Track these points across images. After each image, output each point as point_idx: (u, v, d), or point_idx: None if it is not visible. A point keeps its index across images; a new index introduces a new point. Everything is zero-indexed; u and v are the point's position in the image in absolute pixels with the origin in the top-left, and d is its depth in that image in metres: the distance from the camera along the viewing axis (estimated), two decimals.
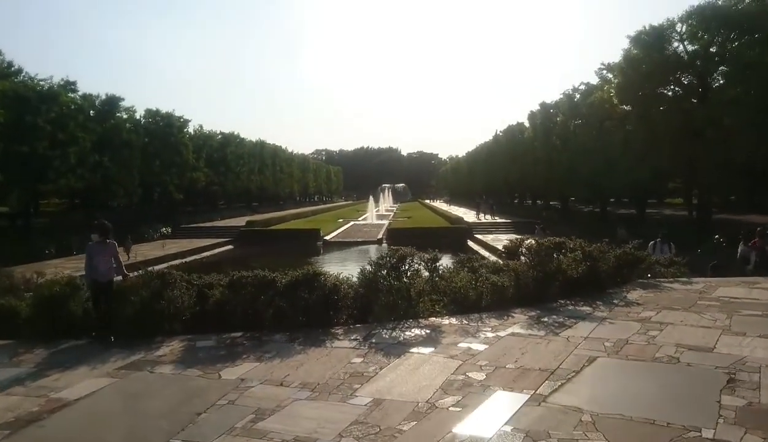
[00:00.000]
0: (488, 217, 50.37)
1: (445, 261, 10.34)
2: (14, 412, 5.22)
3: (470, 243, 37.17)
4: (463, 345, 6.99)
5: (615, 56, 42.39)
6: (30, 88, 33.46)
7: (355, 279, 9.16)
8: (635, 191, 38.88)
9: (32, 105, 31.92)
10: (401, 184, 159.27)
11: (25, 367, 6.69)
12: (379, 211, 76.92)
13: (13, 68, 34.98)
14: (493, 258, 17.68)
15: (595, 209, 48.24)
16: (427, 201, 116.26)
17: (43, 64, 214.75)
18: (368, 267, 9.07)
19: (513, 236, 35.56)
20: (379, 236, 43.11)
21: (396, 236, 40.15)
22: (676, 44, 28.72)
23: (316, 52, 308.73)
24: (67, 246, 30.04)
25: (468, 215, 53.41)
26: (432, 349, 6.88)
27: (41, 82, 35.49)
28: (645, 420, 4.62)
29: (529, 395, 5.25)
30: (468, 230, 41.61)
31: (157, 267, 24.78)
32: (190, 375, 6.15)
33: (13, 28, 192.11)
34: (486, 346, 6.95)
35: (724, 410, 4.78)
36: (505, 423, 4.65)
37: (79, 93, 39.28)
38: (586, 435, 4.38)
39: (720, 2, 25.80)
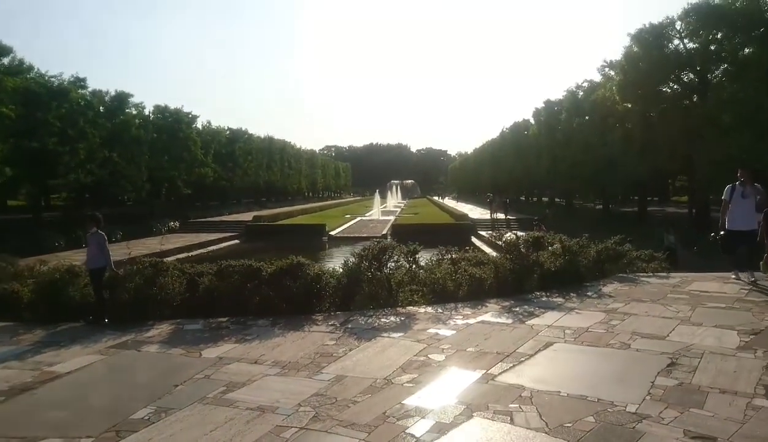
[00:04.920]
0: (501, 215, 45.19)
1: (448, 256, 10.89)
2: (9, 382, 5.78)
3: (474, 239, 37.59)
4: (431, 331, 7.46)
5: (617, 53, 42.45)
6: (41, 84, 34.22)
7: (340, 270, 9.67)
8: (636, 188, 39.10)
9: (43, 101, 32.67)
10: (410, 181, 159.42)
11: (24, 345, 7.27)
12: (387, 208, 77.45)
13: (24, 65, 35.66)
14: (494, 254, 17.99)
15: (597, 206, 48.45)
16: (436, 197, 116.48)
17: (53, 60, 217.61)
18: (351, 258, 9.56)
19: (517, 233, 36.18)
20: (384, 232, 43.53)
21: (400, 231, 40.51)
22: (676, 42, 28.97)
23: (327, 48, 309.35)
24: (76, 239, 30.77)
25: (474, 212, 53.69)
26: (402, 334, 7.36)
27: (52, 79, 36.24)
28: (579, 397, 5.06)
29: (481, 374, 5.72)
30: (472, 227, 41.99)
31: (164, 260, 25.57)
32: (174, 354, 6.68)
33: (24, 25, 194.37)
34: (453, 332, 7.41)
35: (654, 389, 5.21)
36: (452, 397, 5.12)
37: (89, 89, 40.04)
38: (520, 408, 4.83)
39: (717, 0, 26.06)
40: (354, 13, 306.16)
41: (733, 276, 10.88)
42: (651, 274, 11.99)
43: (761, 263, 10.53)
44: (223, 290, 8.67)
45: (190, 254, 32.76)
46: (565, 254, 11.14)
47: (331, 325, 7.95)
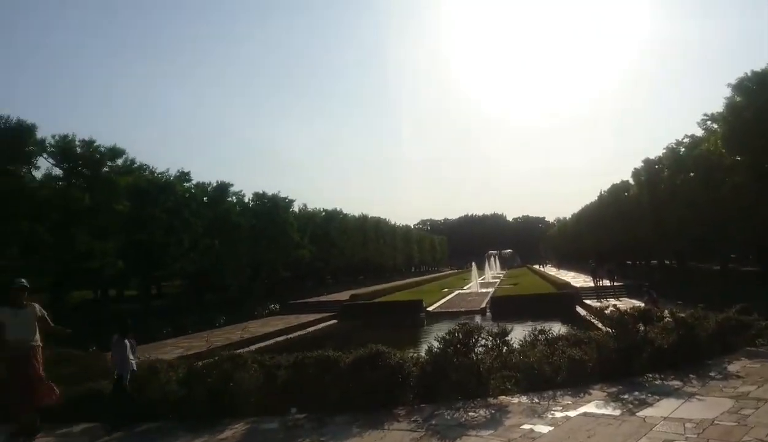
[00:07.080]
0: (607, 281, 42.23)
1: (556, 329, 10.14)
2: None
3: (578, 309, 35.48)
4: (526, 427, 6.61)
5: (717, 106, 39.91)
6: (149, 181, 36.94)
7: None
8: (755, 246, 35.77)
9: (151, 197, 35.09)
10: (508, 250, 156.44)
11: None
12: (485, 279, 75.50)
13: (134, 165, 38.81)
14: (601, 325, 16.71)
15: (714, 267, 44.66)
16: (536, 266, 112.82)
17: (159, 155, 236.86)
18: (435, 344, 8.91)
19: (625, 301, 33.86)
20: (483, 305, 41.93)
21: (500, 304, 38.82)
22: None
23: (415, 126, 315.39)
24: (182, 326, 31.99)
25: (577, 280, 51.13)
26: (491, 431, 6.56)
27: (160, 175, 39.07)
28: None
29: None
30: (576, 296, 39.68)
31: (263, 344, 25.95)
32: None
33: (132, 127, 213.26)
34: (551, 427, 6.53)
35: None
36: None
37: (193, 182, 42.84)
38: None
39: None
40: (445, 86, 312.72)
41: None
42: None
43: None
44: (300, 383, 8.24)
45: (289, 335, 33.02)
46: (680, 328, 9.91)
47: (414, 421, 7.25)
